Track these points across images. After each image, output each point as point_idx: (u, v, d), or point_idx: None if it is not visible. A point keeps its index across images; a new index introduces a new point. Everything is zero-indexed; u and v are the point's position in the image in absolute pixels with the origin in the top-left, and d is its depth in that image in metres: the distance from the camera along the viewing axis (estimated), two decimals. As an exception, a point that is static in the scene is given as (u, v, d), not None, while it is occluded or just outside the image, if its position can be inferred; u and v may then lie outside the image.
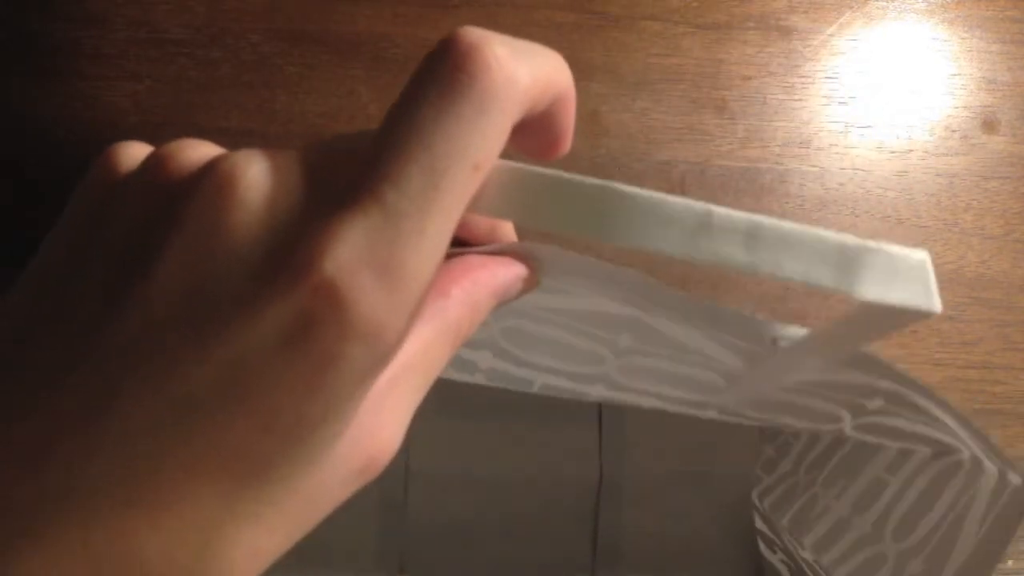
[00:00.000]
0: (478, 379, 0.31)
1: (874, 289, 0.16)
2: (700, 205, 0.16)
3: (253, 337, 0.14)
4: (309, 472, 0.15)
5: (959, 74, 0.48)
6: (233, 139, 0.43)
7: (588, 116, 0.45)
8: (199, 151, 0.16)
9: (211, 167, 0.15)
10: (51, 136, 0.42)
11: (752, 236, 0.16)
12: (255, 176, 0.15)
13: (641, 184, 0.46)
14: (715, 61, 0.46)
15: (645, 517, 0.43)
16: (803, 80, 0.47)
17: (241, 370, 0.14)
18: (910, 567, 0.30)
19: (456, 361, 0.30)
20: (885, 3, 0.48)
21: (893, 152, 0.47)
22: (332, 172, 0.15)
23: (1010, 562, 0.44)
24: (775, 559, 0.41)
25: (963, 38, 0.48)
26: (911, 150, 0.47)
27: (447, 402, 0.43)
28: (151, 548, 0.14)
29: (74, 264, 0.16)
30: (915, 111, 0.47)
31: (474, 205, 0.16)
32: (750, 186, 0.46)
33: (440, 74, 0.15)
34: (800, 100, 0.47)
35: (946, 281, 0.46)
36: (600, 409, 0.44)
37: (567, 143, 0.19)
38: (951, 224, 0.47)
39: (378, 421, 0.16)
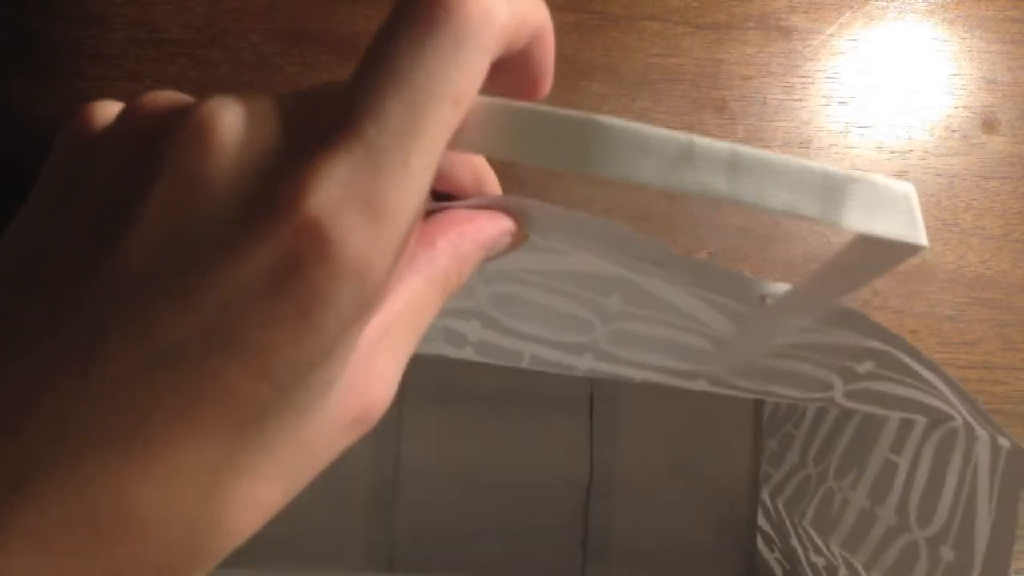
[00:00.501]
0: (468, 353, 0.31)
1: (860, 219, 0.16)
2: (682, 135, 0.16)
3: (238, 281, 0.14)
4: (305, 421, 0.15)
5: (959, 74, 0.48)
6: (233, 139, 0.43)
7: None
8: (173, 99, 0.16)
9: (186, 114, 0.15)
10: (51, 136, 0.42)
11: (734, 166, 0.16)
12: (232, 121, 0.15)
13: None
14: (715, 61, 0.46)
15: (636, 513, 0.43)
16: (803, 80, 0.47)
17: (227, 315, 0.14)
18: (943, 554, 0.29)
19: (446, 333, 0.30)
20: (885, 3, 0.48)
21: (893, 152, 0.47)
22: (310, 114, 0.15)
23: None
24: (771, 557, 0.41)
25: (963, 38, 0.48)
26: (911, 150, 0.47)
27: (437, 399, 0.43)
28: (148, 499, 0.14)
29: (55, 219, 0.16)
30: (915, 111, 0.47)
31: (455, 141, 0.16)
32: (750, 186, 0.45)
33: (417, 10, 0.15)
34: (800, 100, 0.47)
35: (946, 281, 0.46)
36: (591, 403, 0.44)
37: (547, 83, 0.19)
38: (951, 224, 0.47)
39: (371, 371, 0.16)
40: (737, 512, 0.43)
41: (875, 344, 0.25)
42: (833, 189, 0.16)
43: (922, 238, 0.17)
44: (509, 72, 0.18)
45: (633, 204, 0.45)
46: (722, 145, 0.16)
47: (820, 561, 0.37)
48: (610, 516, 0.43)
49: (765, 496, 0.43)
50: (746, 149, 0.16)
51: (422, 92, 0.15)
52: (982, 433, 0.27)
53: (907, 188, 0.16)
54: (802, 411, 0.40)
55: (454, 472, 0.42)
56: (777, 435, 0.42)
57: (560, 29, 0.46)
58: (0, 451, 0.14)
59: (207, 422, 0.14)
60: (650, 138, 0.16)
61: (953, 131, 0.47)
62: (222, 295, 0.14)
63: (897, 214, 0.16)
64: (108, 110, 0.17)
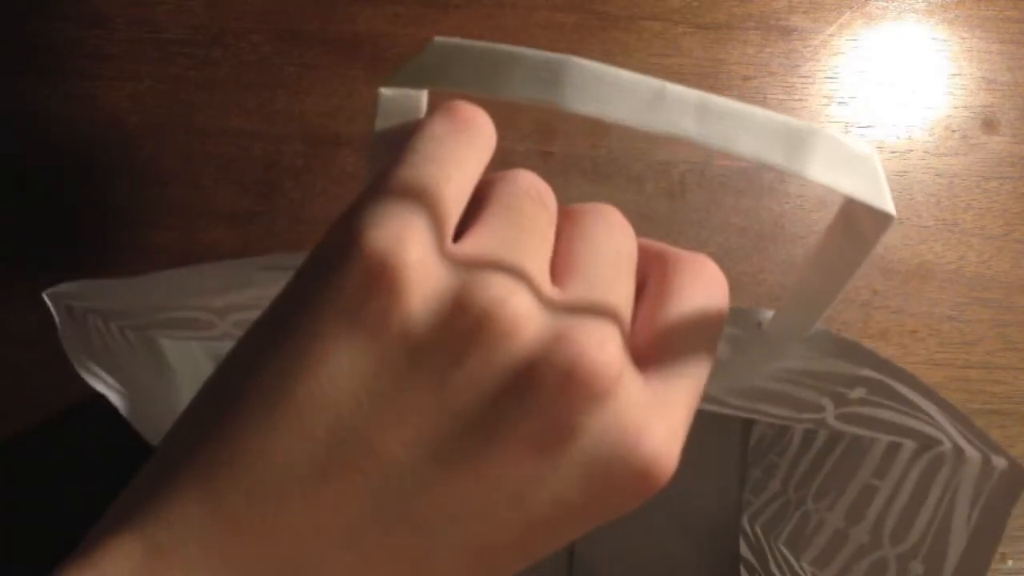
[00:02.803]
0: None
1: (824, 172, 0.17)
2: (654, 80, 0.17)
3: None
4: None
5: (959, 74, 0.48)
6: (233, 139, 0.43)
7: (588, 116, 0.45)
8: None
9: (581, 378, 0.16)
10: (51, 136, 0.42)
11: (703, 110, 0.17)
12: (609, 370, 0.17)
13: (642, 184, 0.46)
14: (715, 61, 0.46)
15: (621, 541, 0.43)
16: (803, 80, 0.47)
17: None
18: (912, 569, 0.30)
19: None
20: (885, 3, 0.48)
21: (893, 152, 0.47)
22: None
23: (1010, 562, 0.44)
24: None
25: (963, 38, 0.48)
26: (911, 150, 0.47)
27: None
28: None
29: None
30: (915, 111, 0.47)
31: (435, 81, 0.17)
32: (750, 186, 0.46)
33: None
34: (800, 100, 0.47)
35: (946, 281, 0.46)
36: None
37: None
38: (951, 224, 0.47)
39: None
40: (721, 542, 0.43)
41: (867, 372, 0.25)
42: (796, 139, 0.17)
43: (889, 205, 0.17)
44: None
45: (634, 204, 0.45)
46: (692, 91, 0.17)
47: None
48: (595, 545, 0.43)
49: (745, 523, 0.43)
50: (715, 96, 0.17)
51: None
52: (972, 455, 0.27)
53: (869, 149, 0.17)
54: (788, 439, 0.40)
55: None
56: (761, 464, 0.42)
57: (560, 29, 0.46)
58: None
59: None
60: (624, 79, 0.17)
61: (953, 131, 0.47)
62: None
63: (861, 175, 0.17)
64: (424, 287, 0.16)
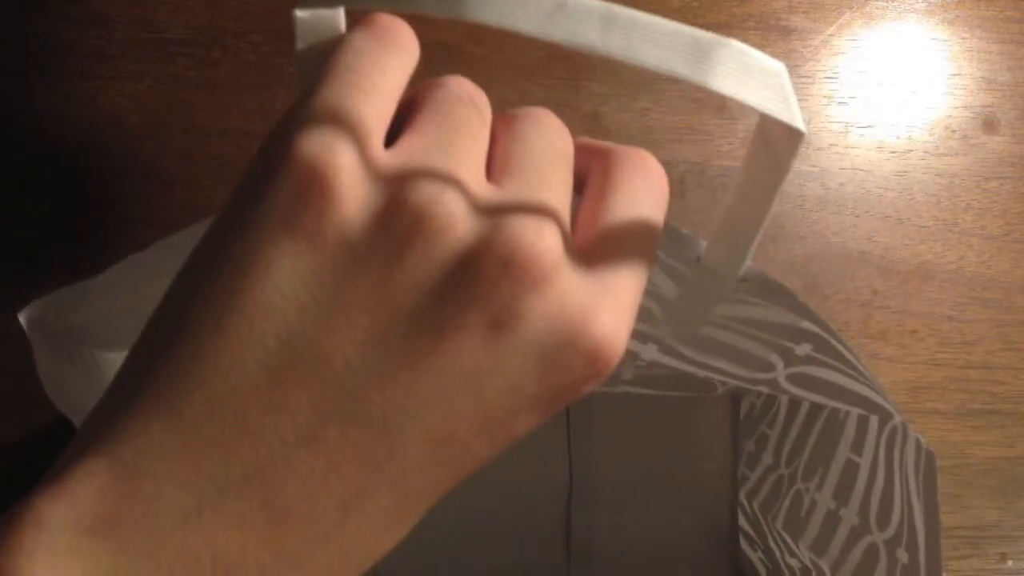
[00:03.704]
0: None
1: (728, 84, 0.17)
2: None
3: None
4: None
5: (959, 74, 0.48)
6: (233, 139, 0.43)
7: (588, 116, 0.45)
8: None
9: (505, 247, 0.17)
10: (51, 136, 0.42)
11: (607, 20, 0.16)
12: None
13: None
14: (715, 61, 0.46)
15: (618, 518, 0.43)
16: (803, 80, 0.47)
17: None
18: (899, 557, 0.30)
19: None
20: (885, 3, 0.48)
21: (893, 152, 0.47)
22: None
23: (1010, 562, 0.44)
24: (755, 557, 0.41)
25: (963, 38, 0.48)
26: (911, 150, 0.47)
27: None
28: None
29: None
30: (915, 111, 0.47)
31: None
32: (750, 186, 0.46)
33: None
34: (800, 100, 0.47)
35: (946, 281, 0.46)
36: (567, 407, 0.43)
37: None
38: (951, 224, 0.47)
39: None
40: (719, 514, 0.43)
41: (807, 325, 0.25)
42: (701, 51, 0.17)
43: (796, 119, 0.17)
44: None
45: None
46: (596, 1, 0.16)
47: (795, 563, 0.37)
48: (592, 520, 0.43)
49: (743, 498, 0.43)
50: (619, 7, 0.16)
51: None
52: (911, 432, 0.28)
53: (778, 64, 0.17)
54: (775, 411, 0.40)
55: None
56: (753, 436, 0.42)
57: (560, 29, 0.46)
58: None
59: None
60: None
61: (953, 131, 0.47)
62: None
63: (768, 87, 0.17)
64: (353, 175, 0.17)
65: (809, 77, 0.47)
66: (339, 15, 0.19)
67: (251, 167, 0.17)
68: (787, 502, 0.38)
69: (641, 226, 0.19)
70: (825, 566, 0.35)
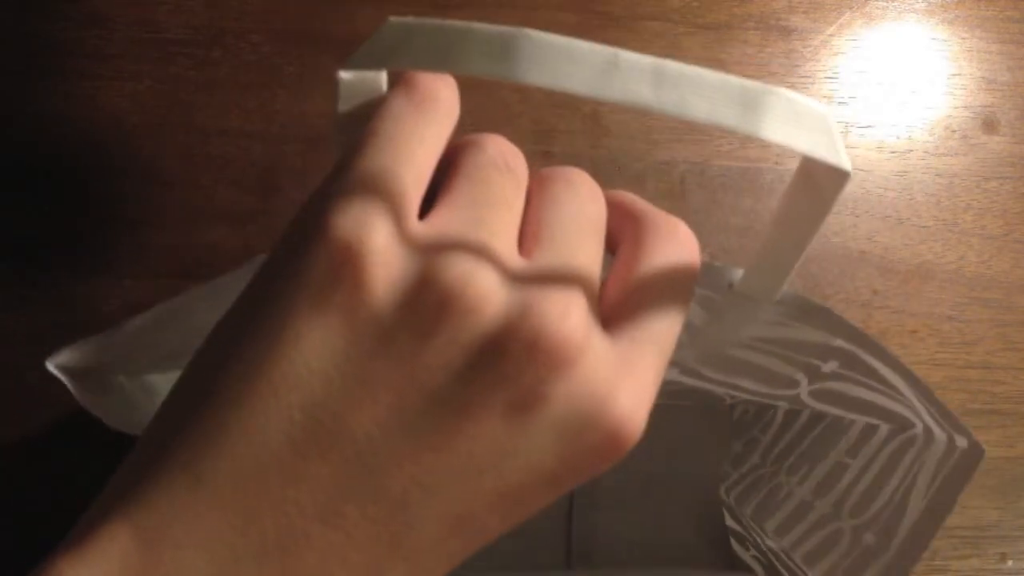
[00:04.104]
0: None
1: (777, 131, 0.17)
2: (608, 47, 0.17)
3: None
4: None
5: (959, 74, 0.48)
6: (233, 139, 0.43)
7: (588, 116, 0.45)
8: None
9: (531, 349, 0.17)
10: (51, 136, 0.42)
11: (658, 75, 0.16)
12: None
13: (642, 184, 0.46)
14: (715, 61, 0.46)
15: (618, 519, 0.43)
16: (803, 80, 0.47)
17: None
18: (864, 539, 0.31)
19: None
20: (885, 3, 0.48)
21: (893, 152, 0.47)
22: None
23: (1010, 562, 0.44)
24: (747, 556, 0.41)
25: (963, 38, 0.48)
26: (911, 150, 0.47)
27: None
28: None
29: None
30: (915, 111, 0.47)
31: (392, 61, 0.17)
32: (750, 186, 0.46)
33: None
34: (800, 100, 0.47)
35: (946, 281, 0.46)
36: None
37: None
38: (951, 224, 0.47)
39: None
40: (712, 516, 0.44)
41: (840, 343, 0.25)
42: (750, 100, 0.17)
43: (844, 161, 0.17)
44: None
45: (633, 204, 0.45)
46: (646, 58, 0.16)
47: (774, 545, 0.38)
48: (593, 523, 0.43)
49: (723, 493, 0.43)
50: (669, 61, 0.16)
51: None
52: (940, 436, 0.28)
53: (824, 108, 0.17)
54: (771, 416, 0.40)
55: None
56: (743, 437, 0.43)
57: (561, 29, 0.46)
58: None
59: None
60: (577, 49, 0.17)
61: (953, 131, 0.47)
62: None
63: (816, 132, 0.17)
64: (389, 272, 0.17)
65: (809, 77, 0.47)
66: (382, 76, 0.19)
67: (287, 233, 0.18)
68: (762, 494, 0.39)
69: (669, 296, 0.19)
70: (785, 544, 0.36)
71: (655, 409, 0.18)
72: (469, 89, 0.20)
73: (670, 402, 0.41)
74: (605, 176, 0.45)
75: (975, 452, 0.26)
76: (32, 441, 0.40)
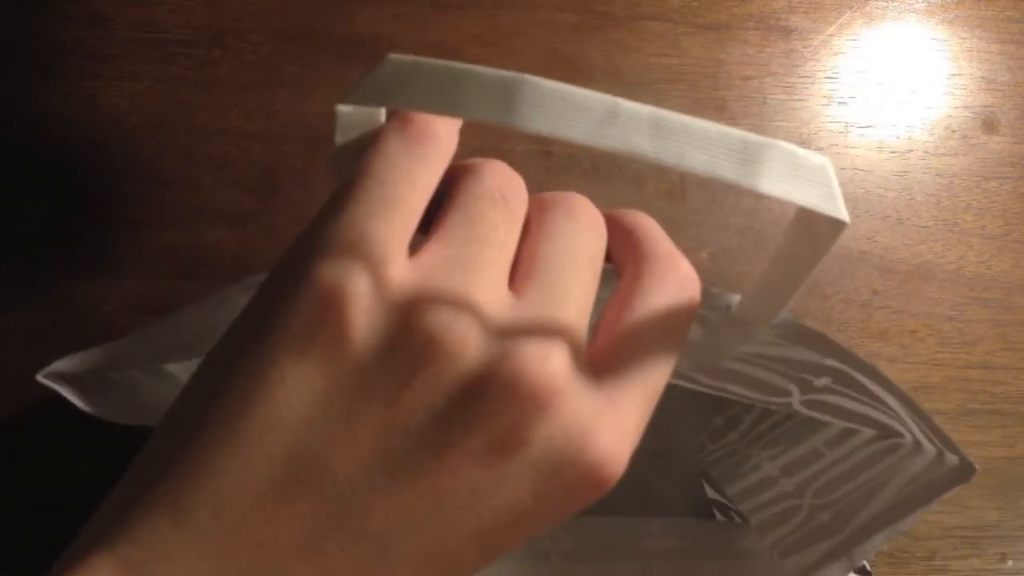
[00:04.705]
0: None
1: (776, 185, 0.17)
2: (608, 97, 0.17)
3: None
4: None
5: (959, 74, 0.48)
6: (233, 139, 0.43)
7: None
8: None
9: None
10: (51, 136, 0.42)
11: (657, 126, 0.16)
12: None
13: (642, 184, 0.46)
14: (715, 61, 0.46)
15: (614, 492, 0.44)
16: (803, 80, 0.47)
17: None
18: (820, 517, 0.31)
19: None
20: (885, 3, 0.48)
21: (893, 152, 0.47)
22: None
23: (1010, 562, 0.44)
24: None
25: (963, 38, 0.48)
26: (911, 150, 0.47)
27: None
28: None
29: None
30: (915, 111, 0.47)
31: (391, 99, 0.17)
32: (750, 186, 0.46)
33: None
34: (800, 100, 0.47)
35: (946, 281, 0.46)
36: None
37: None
38: (951, 224, 0.47)
39: None
40: (696, 489, 0.44)
41: (832, 363, 0.26)
42: (750, 153, 0.17)
43: (842, 212, 0.17)
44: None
45: (634, 204, 0.45)
46: (645, 108, 0.17)
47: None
48: None
49: (699, 463, 0.44)
50: (668, 112, 0.17)
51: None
52: (929, 449, 0.28)
53: (823, 160, 0.17)
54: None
55: None
56: (725, 413, 0.43)
57: (560, 29, 0.46)
58: None
59: None
60: (577, 97, 0.17)
61: (953, 131, 0.47)
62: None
63: (814, 184, 0.17)
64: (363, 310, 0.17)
65: (809, 77, 0.47)
66: (380, 111, 0.19)
67: (274, 273, 0.18)
68: (733, 460, 0.39)
69: (660, 340, 0.19)
70: (744, 509, 0.37)
71: None
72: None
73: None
74: (605, 175, 0.45)
75: (965, 469, 0.26)
76: (32, 441, 0.40)
